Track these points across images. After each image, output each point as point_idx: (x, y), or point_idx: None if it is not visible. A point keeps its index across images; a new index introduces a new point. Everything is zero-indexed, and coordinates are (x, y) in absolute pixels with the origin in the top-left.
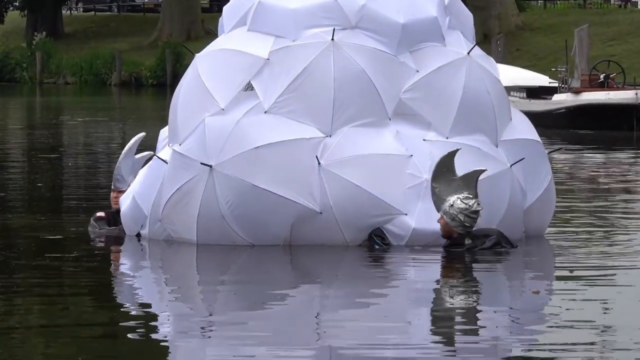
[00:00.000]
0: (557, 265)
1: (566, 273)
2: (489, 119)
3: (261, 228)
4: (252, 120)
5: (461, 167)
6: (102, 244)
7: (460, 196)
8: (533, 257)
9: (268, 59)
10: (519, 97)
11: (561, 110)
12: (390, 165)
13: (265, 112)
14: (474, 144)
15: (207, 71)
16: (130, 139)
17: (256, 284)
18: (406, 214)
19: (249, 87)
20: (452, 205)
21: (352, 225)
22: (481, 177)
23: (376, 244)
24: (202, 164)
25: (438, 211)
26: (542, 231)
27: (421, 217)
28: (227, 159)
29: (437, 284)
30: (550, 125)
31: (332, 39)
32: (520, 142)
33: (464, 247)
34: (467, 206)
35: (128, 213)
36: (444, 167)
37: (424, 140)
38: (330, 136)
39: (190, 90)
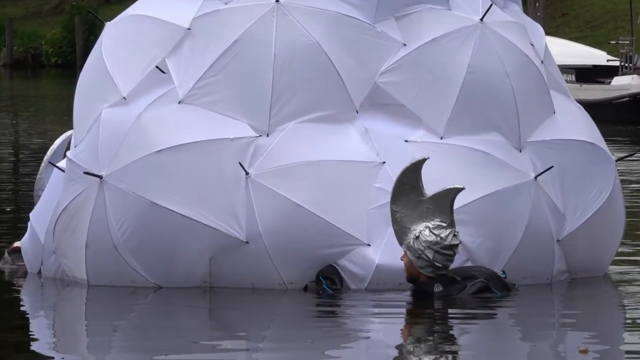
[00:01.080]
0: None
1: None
2: (508, 111)
3: (168, 264)
4: (157, 113)
5: (459, 179)
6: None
7: (430, 225)
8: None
9: (189, 29)
10: (565, 81)
11: (624, 99)
12: (350, 177)
13: (180, 102)
14: (480, 147)
15: (111, 47)
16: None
17: (159, 341)
18: (369, 245)
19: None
20: (417, 238)
21: (290, 260)
22: (487, 191)
23: (325, 288)
24: (86, 173)
25: (400, 245)
26: (600, 271)
27: (390, 248)
28: (121, 167)
29: (412, 347)
30: (609, 118)
31: (277, 0)
32: (563, 144)
33: (434, 296)
34: (438, 239)
35: (27, 243)
36: (407, 184)
37: (406, 141)
38: (267, 135)
39: (90, 72)
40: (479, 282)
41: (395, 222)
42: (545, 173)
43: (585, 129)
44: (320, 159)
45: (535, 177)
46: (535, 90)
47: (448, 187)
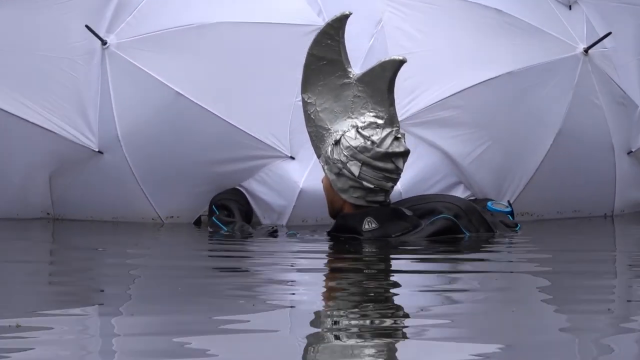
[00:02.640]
0: None
1: None
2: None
3: None
4: None
5: (457, 56)
6: None
7: (358, 122)
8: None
9: None
10: None
11: None
12: (269, 49)
13: None
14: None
15: None
16: None
17: None
18: (292, 158)
19: None
20: (336, 144)
21: (166, 181)
22: (497, 71)
23: (216, 222)
24: None
25: (318, 158)
26: None
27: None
28: None
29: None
30: None
31: None
32: None
33: (362, 237)
34: (368, 143)
35: None
36: (324, 57)
37: None
38: None
39: None
40: (442, 219)
41: (308, 120)
42: (604, 42)
43: None
44: (221, 20)
45: (586, 50)
46: None
47: (383, 59)
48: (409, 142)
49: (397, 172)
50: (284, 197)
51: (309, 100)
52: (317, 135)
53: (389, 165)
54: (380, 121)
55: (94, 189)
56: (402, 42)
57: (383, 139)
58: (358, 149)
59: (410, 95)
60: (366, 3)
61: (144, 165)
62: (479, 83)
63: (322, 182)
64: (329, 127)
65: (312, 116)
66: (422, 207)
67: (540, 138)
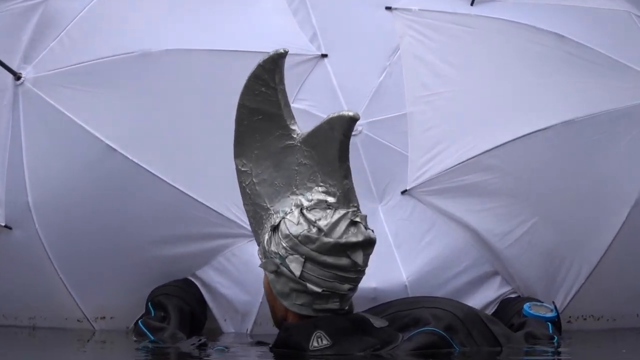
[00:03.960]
0: None
1: None
2: None
3: None
4: None
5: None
6: None
7: (304, 199)
8: None
9: None
10: None
11: None
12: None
13: None
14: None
15: None
16: None
17: None
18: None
19: None
20: (274, 230)
21: (89, 267)
22: (547, 121)
23: (144, 330)
24: None
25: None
26: None
27: None
28: None
29: None
30: None
31: None
32: None
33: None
34: (313, 231)
35: None
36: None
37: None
38: None
39: None
40: (424, 334)
41: (244, 196)
42: None
43: None
44: (173, 46)
45: None
46: None
47: (332, 114)
48: (425, 216)
49: (356, 269)
50: (249, 291)
51: (243, 169)
52: (254, 216)
53: (343, 261)
54: (331, 199)
55: (1, 278)
56: (424, 79)
57: (334, 225)
58: (299, 238)
59: (431, 151)
60: (378, 23)
61: (63, 245)
62: (524, 136)
63: (263, 281)
64: (268, 205)
65: (247, 190)
66: (407, 314)
67: (609, 212)
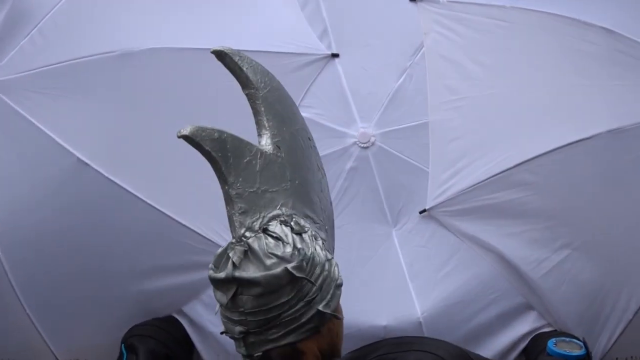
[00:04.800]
0: None
1: None
2: None
3: None
4: None
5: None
6: None
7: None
8: None
9: None
10: None
11: None
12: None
13: None
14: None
15: None
16: None
17: None
18: None
19: None
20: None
21: (59, 302)
22: (591, 130)
23: None
24: None
25: None
26: None
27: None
28: None
29: None
30: None
31: None
32: None
33: None
34: (210, 268)
35: None
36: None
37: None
38: None
39: None
40: None
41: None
42: None
43: None
44: (159, 44)
45: None
46: None
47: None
48: (446, 241)
49: (233, 310)
50: None
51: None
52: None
53: (219, 298)
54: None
55: None
56: (451, 82)
57: (220, 255)
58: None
59: (456, 165)
60: (399, 17)
61: (29, 275)
62: (563, 146)
63: None
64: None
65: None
66: (391, 358)
67: None
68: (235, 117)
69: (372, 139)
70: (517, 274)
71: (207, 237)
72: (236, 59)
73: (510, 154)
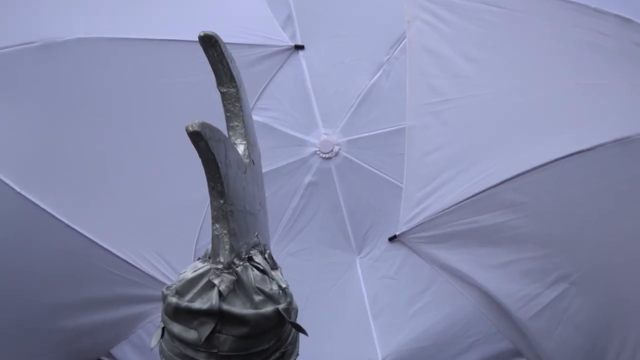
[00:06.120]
0: None
1: None
2: None
3: None
4: None
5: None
6: None
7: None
8: None
9: None
10: None
11: None
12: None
13: None
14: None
15: None
16: None
17: None
18: None
19: None
20: None
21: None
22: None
23: None
24: None
25: None
26: None
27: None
28: None
29: None
30: None
31: None
32: None
33: None
34: (170, 288)
35: None
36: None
37: None
38: None
39: None
40: None
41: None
42: None
43: None
44: (98, 34)
45: None
46: None
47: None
48: (419, 273)
49: (203, 351)
50: None
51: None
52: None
53: (191, 335)
54: (210, 247)
55: None
56: (435, 80)
57: (191, 282)
58: (162, 296)
59: (434, 181)
60: (378, 3)
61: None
62: (560, 159)
63: None
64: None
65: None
66: None
67: None
68: (181, 120)
69: (336, 148)
70: (503, 313)
71: (138, 266)
72: (224, 50)
73: (497, 168)
